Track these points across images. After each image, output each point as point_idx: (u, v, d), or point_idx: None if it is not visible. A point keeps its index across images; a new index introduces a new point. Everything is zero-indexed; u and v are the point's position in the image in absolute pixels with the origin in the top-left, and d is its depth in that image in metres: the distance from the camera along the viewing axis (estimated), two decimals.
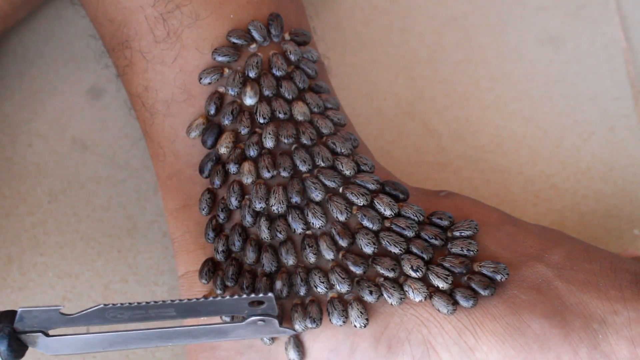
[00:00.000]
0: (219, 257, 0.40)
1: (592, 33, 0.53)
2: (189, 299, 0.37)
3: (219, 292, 0.40)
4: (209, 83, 0.41)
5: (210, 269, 0.40)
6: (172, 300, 0.37)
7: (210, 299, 0.37)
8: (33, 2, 0.52)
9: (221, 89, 0.41)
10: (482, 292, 0.38)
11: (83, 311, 0.36)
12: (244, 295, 0.37)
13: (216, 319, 0.39)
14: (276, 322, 0.38)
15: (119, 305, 0.36)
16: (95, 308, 0.36)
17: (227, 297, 0.37)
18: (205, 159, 0.41)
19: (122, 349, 0.38)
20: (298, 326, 0.39)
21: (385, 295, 0.38)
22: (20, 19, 0.53)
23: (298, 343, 0.39)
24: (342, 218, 0.39)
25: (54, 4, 0.54)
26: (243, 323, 0.38)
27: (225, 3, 0.41)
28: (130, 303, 0.36)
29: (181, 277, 0.42)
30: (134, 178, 0.50)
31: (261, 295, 0.37)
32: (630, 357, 0.37)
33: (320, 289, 0.38)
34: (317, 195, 0.39)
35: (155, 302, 0.36)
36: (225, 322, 0.38)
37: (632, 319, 0.37)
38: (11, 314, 0.36)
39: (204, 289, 0.41)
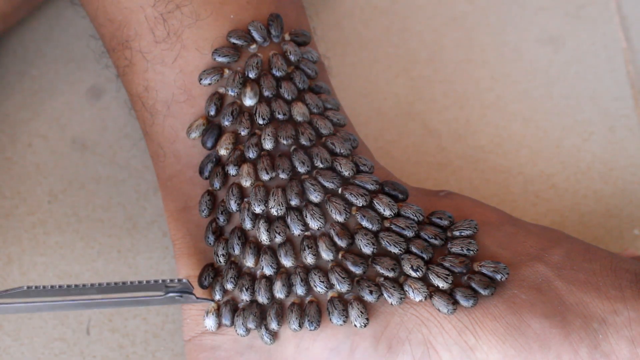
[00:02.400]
0: (219, 261, 0.40)
1: (592, 33, 0.53)
2: (108, 282, 0.38)
3: (217, 297, 0.40)
4: (209, 84, 0.41)
5: (210, 274, 0.40)
6: (92, 284, 0.38)
7: (128, 282, 0.38)
8: (33, 2, 0.52)
9: (221, 90, 0.41)
10: (482, 291, 0.38)
11: (6, 290, 0.37)
12: (161, 280, 0.38)
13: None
14: (192, 296, 0.39)
15: (41, 287, 0.37)
16: (19, 289, 0.37)
17: (144, 281, 0.38)
18: (205, 160, 0.41)
19: (47, 312, 0.40)
20: (293, 325, 0.39)
21: (385, 294, 0.38)
22: (20, 19, 0.53)
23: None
24: (341, 219, 0.39)
25: (54, 4, 0.54)
26: (162, 297, 0.39)
27: (225, 3, 0.41)
28: (52, 285, 0.38)
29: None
30: (134, 178, 0.50)
31: (176, 279, 0.38)
32: (631, 357, 0.37)
33: (320, 288, 0.38)
34: (315, 197, 0.39)
35: (76, 285, 0.38)
36: (146, 295, 0.39)
37: (632, 319, 0.37)
38: None
39: (204, 293, 0.41)
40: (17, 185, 0.50)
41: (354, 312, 0.38)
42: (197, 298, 0.39)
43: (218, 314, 0.40)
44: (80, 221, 0.49)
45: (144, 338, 0.47)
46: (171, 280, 0.38)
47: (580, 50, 0.53)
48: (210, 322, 0.40)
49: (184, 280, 0.38)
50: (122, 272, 0.48)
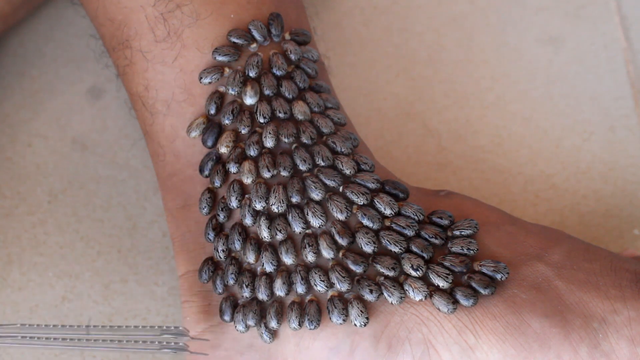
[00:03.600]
0: (219, 256, 0.40)
1: (592, 33, 0.54)
2: (103, 326, 0.39)
3: (219, 291, 0.40)
4: (210, 82, 0.41)
5: (210, 268, 0.40)
6: (87, 326, 0.39)
7: (124, 327, 0.39)
8: (33, 2, 0.52)
9: (221, 89, 0.41)
10: (482, 291, 0.38)
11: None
12: (156, 327, 0.39)
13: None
14: (187, 353, 0.40)
15: (35, 328, 0.38)
16: (12, 325, 0.38)
17: (140, 326, 0.39)
18: (206, 158, 0.41)
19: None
20: (293, 324, 0.39)
21: (385, 294, 0.38)
22: (20, 19, 0.53)
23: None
24: (342, 217, 0.39)
25: (54, 4, 0.54)
26: (155, 348, 0.39)
27: (225, 3, 0.41)
28: (46, 325, 0.39)
29: (181, 276, 0.42)
30: (134, 178, 0.50)
31: (172, 327, 0.39)
32: (631, 357, 0.37)
33: (320, 287, 0.38)
34: (317, 195, 0.39)
35: (70, 325, 0.39)
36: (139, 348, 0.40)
37: (632, 318, 0.37)
38: None
39: (203, 288, 0.41)
40: (17, 185, 0.50)
41: (354, 311, 0.38)
42: (191, 353, 0.40)
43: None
44: (80, 221, 0.49)
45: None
46: (167, 329, 0.39)
47: (580, 50, 0.53)
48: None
49: (180, 329, 0.39)
50: (122, 272, 0.48)
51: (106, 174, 0.50)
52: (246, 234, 0.40)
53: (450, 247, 0.39)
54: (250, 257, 0.39)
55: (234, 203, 0.40)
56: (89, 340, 0.39)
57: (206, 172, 0.41)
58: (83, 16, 0.53)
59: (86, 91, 0.52)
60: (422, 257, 0.39)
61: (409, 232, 0.39)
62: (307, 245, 0.39)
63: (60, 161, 0.51)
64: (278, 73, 0.41)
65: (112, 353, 0.46)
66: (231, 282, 0.40)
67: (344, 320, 0.38)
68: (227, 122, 0.41)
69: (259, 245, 0.40)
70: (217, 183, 0.40)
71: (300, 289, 0.39)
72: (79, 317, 0.47)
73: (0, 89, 0.52)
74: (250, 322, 0.39)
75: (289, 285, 0.39)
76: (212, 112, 0.41)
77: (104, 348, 0.39)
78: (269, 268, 0.39)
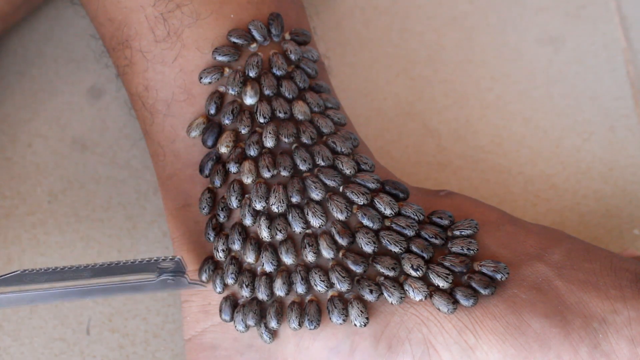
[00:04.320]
0: (219, 256, 0.40)
1: (592, 33, 0.54)
2: (102, 263, 0.38)
3: (218, 290, 0.40)
4: (209, 82, 0.41)
5: (210, 267, 0.40)
6: (86, 265, 0.38)
7: (122, 262, 0.38)
8: (33, 2, 0.52)
9: (221, 89, 0.41)
10: (482, 291, 0.38)
11: (1, 276, 0.38)
12: (154, 258, 0.39)
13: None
14: (185, 280, 0.39)
15: (35, 270, 0.38)
16: (13, 274, 0.38)
17: (138, 260, 0.39)
18: (206, 158, 0.41)
19: (42, 304, 0.40)
20: (293, 324, 0.39)
21: (385, 294, 0.38)
22: (20, 19, 0.53)
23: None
24: (342, 217, 0.39)
25: (54, 4, 0.54)
26: (155, 281, 0.39)
27: (225, 3, 0.41)
28: (46, 268, 0.38)
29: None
30: (134, 178, 0.50)
31: (169, 257, 0.39)
32: (631, 357, 0.37)
33: (320, 287, 0.38)
34: (317, 195, 0.39)
35: (70, 266, 0.38)
36: (138, 280, 0.40)
37: (632, 318, 0.37)
38: None
39: (203, 288, 0.41)
40: (17, 185, 0.50)
41: (354, 312, 0.38)
42: (189, 282, 0.40)
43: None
44: (80, 221, 0.49)
45: (144, 338, 0.47)
46: (164, 259, 0.39)
47: (580, 50, 0.53)
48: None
49: (177, 258, 0.39)
50: None
51: (106, 174, 0.50)
52: (246, 234, 0.40)
53: (450, 247, 0.39)
54: (250, 257, 0.39)
55: (234, 203, 0.40)
56: (88, 286, 0.39)
57: (206, 172, 0.41)
58: (83, 16, 0.53)
59: (86, 91, 0.52)
60: (422, 257, 0.39)
61: (409, 232, 0.39)
62: (307, 245, 0.39)
63: (60, 161, 0.51)
64: (278, 73, 0.41)
65: (113, 342, 0.46)
66: (231, 281, 0.40)
67: (344, 320, 0.38)
68: (227, 122, 0.41)
69: (259, 245, 0.40)
70: (217, 183, 0.40)
71: (300, 289, 0.39)
72: (79, 317, 0.47)
73: (0, 89, 0.52)
74: (250, 322, 0.39)
75: (289, 285, 0.39)
76: (212, 112, 0.41)
77: (102, 291, 0.39)
78: (269, 268, 0.39)
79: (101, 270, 0.38)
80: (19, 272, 0.38)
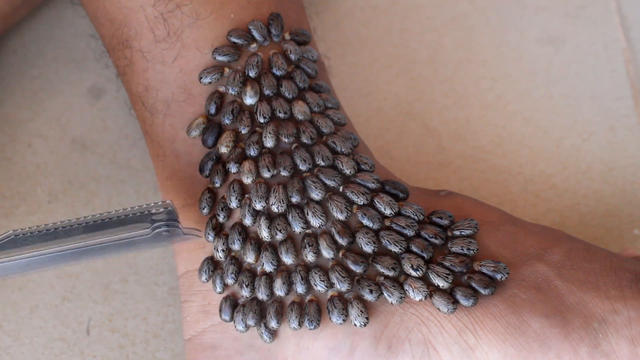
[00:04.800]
0: (219, 256, 0.40)
1: (592, 33, 0.54)
2: (93, 216, 0.38)
3: (218, 290, 0.40)
4: (209, 82, 0.41)
5: (210, 267, 0.40)
6: (77, 219, 0.38)
7: (113, 211, 0.38)
8: (33, 2, 0.52)
9: (221, 89, 0.41)
10: (482, 291, 0.38)
11: None
12: (144, 205, 0.39)
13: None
14: (179, 229, 0.39)
15: (27, 230, 0.37)
16: (6, 236, 0.37)
17: (129, 208, 0.38)
18: (206, 158, 0.41)
19: (39, 270, 0.39)
20: (293, 324, 0.39)
21: (385, 294, 0.38)
22: (20, 19, 0.53)
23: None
24: (342, 217, 0.39)
25: (54, 4, 0.54)
26: (149, 235, 0.39)
27: (225, 3, 0.41)
28: (38, 226, 0.38)
29: (181, 276, 0.42)
30: (134, 178, 0.50)
31: (160, 202, 0.39)
32: (631, 357, 0.37)
33: (320, 287, 0.38)
34: (317, 195, 0.39)
35: (61, 221, 0.38)
36: (132, 236, 0.39)
37: (632, 318, 0.37)
38: None
39: (203, 287, 0.41)
40: (17, 185, 0.50)
41: (353, 311, 0.38)
42: (184, 233, 0.39)
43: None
44: None
45: (144, 338, 0.47)
46: (156, 206, 0.38)
47: (580, 50, 0.53)
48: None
49: (168, 202, 0.39)
50: (122, 272, 0.48)
51: (106, 174, 0.50)
52: (246, 234, 0.40)
53: (450, 247, 0.39)
54: (250, 257, 0.39)
55: (233, 203, 0.40)
56: (80, 247, 0.38)
57: (206, 172, 0.41)
58: (83, 16, 0.53)
59: (86, 91, 0.52)
60: (422, 257, 0.39)
61: (409, 232, 0.39)
62: (307, 245, 0.39)
63: (60, 161, 0.51)
64: (278, 73, 0.41)
65: (113, 342, 0.46)
66: (231, 281, 0.40)
67: (343, 320, 0.38)
68: (227, 122, 0.41)
69: (259, 245, 0.40)
70: (217, 183, 0.40)
71: (300, 288, 0.39)
72: (79, 317, 0.47)
73: (0, 89, 0.52)
74: (250, 322, 0.39)
75: (289, 285, 0.39)
76: (212, 112, 0.41)
77: (96, 251, 0.39)
78: (268, 268, 0.39)
79: (94, 225, 0.38)
80: (10, 232, 0.37)
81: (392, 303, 0.38)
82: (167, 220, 0.39)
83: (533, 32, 0.54)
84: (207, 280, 0.40)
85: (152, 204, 0.39)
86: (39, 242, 0.38)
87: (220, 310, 0.40)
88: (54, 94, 0.52)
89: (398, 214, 0.40)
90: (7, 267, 0.38)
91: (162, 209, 0.38)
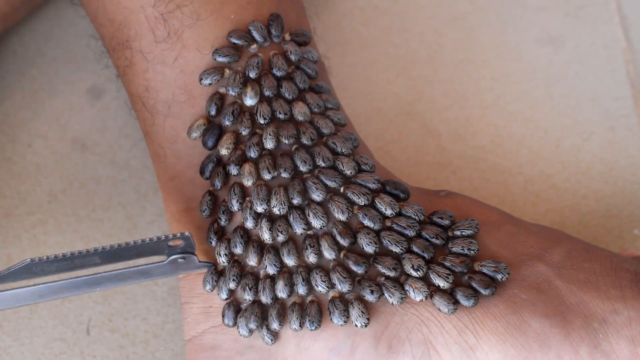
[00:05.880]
0: (221, 260, 0.40)
1: (592, 33, 0.54)
2: (110, 246, 0.38)
3: (224, 297, 0.40)
4: (210, 84, 0.41)
5: (214, 277, 0.40)
6: (95, 248, 0.38)
7: (132, 242, 0.38)
8: (33, 2, 0.52)
9: (222, 90, 0.41)
10: (482, 291, 0.38)
11: (10, 268, 0.37)
12: (163, 236, 0.39)
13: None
14: (195, 258, 0.39)
15: (45, 258, 0.37)
16: (23, 264, 0.37)
17: (147, 239, 0.39)
18: (206, 160, 0.41)
19: (52, 299, 0.40)
20: (294, 325, 0.39)
21: (386, 294, 0.38)
22: (20, 19, 0.53)
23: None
24: (343, 218, 0.39)
25: (54, 4, 0.54)
26: (164, 262, 0.39)
27: (225, 3, 0.41)
28: (55, 255, 0.38)
29: (182, 279, 0.42)
30: (134, 178, 0.50)
31: (178, 234, 0.39)
32: (631, 357, 0.37)
33: (322, 288, 0.38)
34: (318, 196, 0.39)
35: (79, 251, 0.38)
36: (148, 264, 0.40)
37: (632, 318, 0.37)
38: None
39: (204, 291, 0.41)
40: (17, 185, 0.50)
41: (354, 312, 0.38)
42: (200, 262, 0.40)
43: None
44: (80, 221, 0.49)
45: (144, 338, 0.47)
46: (173, 236, 0.39)
47: (580, 50, 0.53)
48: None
49: (187, 234, 0.39)
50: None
51: (106, 174, 0.50)
52: (248, 237, 0.40)
53: (450, 247, 0.39)
54: (253, 260, 0.39)
55: (235, 206, 0.40)
56: (97, 275, 0.39)
57: (207, 174, 0.41)
58: (83, 16, 0.53)
59: (86, 91, 0.52)
60: (423, 258, 0.39)
61: (410, 233, 0.39)
62: (308, 246, 0.39)
63: (60, 161, 0.51)
64: (278, 74, 0.41)
65: (113, 342, 0.46)
66: (233, 285, 0.40)
67: (345, 321, 0.38)
68: (227, 123, 0.41)
69: (261, 248, 0.40)
70: (218, 185, 0.40)
71: (301, 290, 0.39)
72: (79, 317, 0.47)
73: (0, 89, 0.52)
74: (252, 325, 0.39)
75: (291, 286, 0.39)
76: (213, 113, 0.41)
77: (111, 280, 0.39)
78: (271, 270, 0.39)
79: (110, 253, 0.38)
80: (27, 261, 0.37)
81: (392, 303, 0.38)
82: (184, 251, 0.39)
83: (533, 32, 0.54)
84: (212, 290, 0.40)
85: (171, 235, 0.39)
86: (54, 271, 0.38)
87: (223, 316, 0.40)
88: (54, 94, 0.52)
89: (399, 214, 0.40)
90: (20, 296, 0.38)
91: (179, 238, 0.39)
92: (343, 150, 0.40)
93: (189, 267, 0.40)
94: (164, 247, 0.39)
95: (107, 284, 0.39)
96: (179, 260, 0.39)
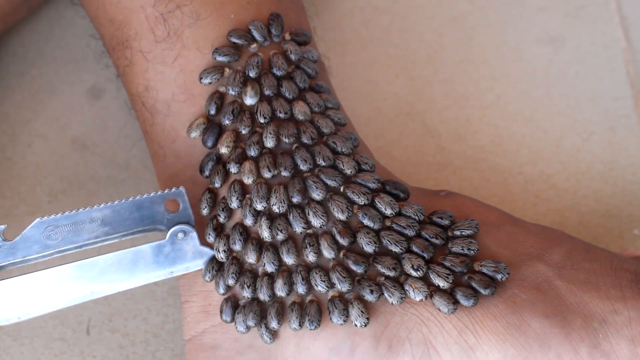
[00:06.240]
0: (220, 256, 0.40)
1: (592, 33, 0.54)
2: (112, 202, 0.40)
3: (221, 292, 0.40)
4: (210, 83, 0.41)
5: (215, 267, 0.40)
6: (97, 205, 0.39)
7: (131, 199, 0.40)
8: (33, 2, 0.52)
9: (222, 89, 0.41)
10: (482, 291, 0.38)
11: (22, 233, 0.39)
12: (159, 192, 0.40)
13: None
14: (195, 235, 0.40)
15: (53, 216, 0.39)
16: (33, 225, 0.39)
17: (144, 194, 0.40)
18: (206, 158, 0.41)
19: (59, 307, 0.40)
20: (294, 325, 0.39)
21: (386, 294, 0.38)
22: (20, 19, 0.53)
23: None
24: (343, 217, 0.39)
25: (54, 4, 0.54)
26: (165, 240, 0.40)
27: (226, 3, 0.41)
28: (62, 213, 0.39)
29: (181, 277, 0.42)
30: (134, 178, 0.50)
31: (173, 189, 0.40)
32: (631, 356, 0.37)
33: (321, 287, 0.38)
34: (318, 195, 0.39)
35: (83, 208, 0.39)
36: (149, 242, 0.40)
37: (632, 318, 0.37)
38: None
39: (203, 288, 0.41)
40: (17, 185, 0.50)
41: (354, 312, 0.38)
42: (201, 246, 0.40)
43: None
44: None
45: (144, 338, 0.47)
46: (168, 192, 0.40)
47: (580, 50, 0.53)
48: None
49: (180, 189, 0.40)
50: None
51: (106, 174, 0.50)
52: (247, 234, 0.40)
53: (450, 247, 0.39)
54: (252, 258, 0.39)
55: (234, 203, 0.40)
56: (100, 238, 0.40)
57: (206, 173, 0.41)
58: (83, 16, 0.53)
59: (86, 91, 0.52)
60: (423, 257, 0.39)
61: (410, 232, 0.39)
62: (308, 245, 0.39)
63: (60, 161, 0.51)
64: (278, 73, 0.41)
65: (113, 342, 0.46)
66: (232, 282, 0.40)
67: (344, 320, 0.38)
68: (227, 122, 0.41)
69: (260, 246, 0.40)
70: (218, 183, 0.40)
71: (301, 289, 0.39)
72: (79, 317, 0.47)
73: (0, 89, 0.52)
74: (251, 323, 0.39)
75: (290, 285, 0.39)
76: (213, 112, 0.41)
77: (113, 267, 0.40)
78: (270, 268, 0.39)
79: (110, 213, 0.40)
80: (38, 220, 0.39)
81: (392, 303, 0.38)
82: (181, 221, 0.40)
83: (533, 32, 0.54)
84: (211, 280, 0.40)
85: (167, 190, 0.40)
86: (61, 241, 0.39)
87: (221, 312, 0.40)
88: (54, 94, 0.52)
89: (399, 214, 0.40)
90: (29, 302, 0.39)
91: (174, 193, 0.40)
92: (343, 150, 0.40)
93: (189, 251, 0.40)
94: (162, 212, 0.40)
95: (110, 273, 0.40)
96: (178, 235, 0.40)
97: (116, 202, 0.40)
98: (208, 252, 0.40)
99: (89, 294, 0.39)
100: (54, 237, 0.39)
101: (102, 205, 0.39)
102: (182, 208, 0.40)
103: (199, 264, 0.40)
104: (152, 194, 0.40)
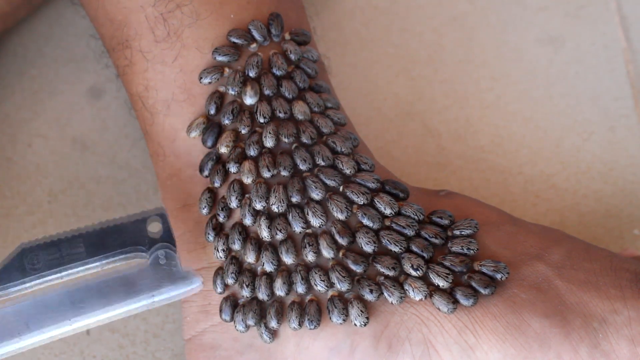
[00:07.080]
0: (219, 256, 0.40)
1: (592, 33, 0.54)
2: (93, 225, 0.39)
3: (219, 291, 0.40)
4: (209, 82, 0.41)
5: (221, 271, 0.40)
6: (79, 229, 0.39)
7: (112, 220, 0.39)
8: (33, 2, 0.52)
9: (221, 89, 0.41)
10: (482, 291, 0.38)
11: (4, 260, 0.38)
12: (139, 212, 0.40)
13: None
14: (176, 257, 0.39)
15: (35, 241, 0.38)
16: (16, 251, 0.38)
17: (125, 216, 0.40)
18: (206, 158, 0.41)
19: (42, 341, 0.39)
20: (293, 324, 0.39)
21: (385, 294, 0.38)
22: (20, 19, 0.53)
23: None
24: (342, 217, 0.39)
25: (54, 4, 0.54)
26: (147, 267, 0.39)
27: (225, 3, 0.41)
28: (44, 237, 0.39)
29: None
30: (134, 178, 0.50)
31: (154, 208, 0.40)
32: (631, 356, 0.37)
33: (321, 287, 0.39)
34: (317, 194, 0.39)
35: (65, 232, 0.39)
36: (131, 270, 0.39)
37: (632, 318, 0.37)
38: None
39: (203, 288, 0.41)
40: (17, 185, 0.50)
41: (354, 311, 0.38)
42: (183, 268, 0.39)
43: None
44: (80, 221, 0.49)
45: (144, 338, 0.47)
46: (149, 211, 0.39)
47: (580, 50, 0.53)
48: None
49: (160, 207, 0.40)
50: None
51: (106, 174, 0.50)
52: (246, 234, 0.40)
53: (450, 247, 0.39)
54: (251, 257, 0.39)
55: (234, 203, 0.40)
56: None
57: (206, 172, 0.41)
58: (83, 16, 0.53)
59: (86, 91, 0.52)
60: (422, 257, 0.39)
61: (409, 232, 0.39)
62: (307, 245, 0.39)
63: (60, 161, 0.51)
64: (278, 73, 0.41)
65: (113, 342, 0.46)
66: (231, 281, 0.40)
67: (344, 320, 0.38)
68: (227, 122, 0.41)
69: (259, 245, 0.40)
70: (217, 183, 0.40)
71: (300, 288, 0.39)
72: None
73: (0, 89, 0.52)
74: (250, 322, 0.39)
75: (289, 285, 0.39)
76: (212, 112, 0.41)
77: (93, 293, 0.39)
78: (269, 268, 0.39)
79: (93, 236, 0.39)
80: (20, 247, 0.38)
81: (392, 303, 0.38)
82: (164, 240, 0.39)
83: (533, 32, 0.54)
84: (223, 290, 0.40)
85: (147, 209, 0.39)
86: (43, 268, 0.38)
87: (220, 311, 0.40)
88: (54, 94, 0.52)
89: (398, 213, 0.40)
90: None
91: (155, 212, 0.39)
92: (343, 150, 0.40)
93: (171, 273, 0.39)
94: (144, 234, 0.39)
95: (91, 300, 0.38)
96: (160, 259, 0.39)
97: (98, 227, 0.39)
98: (191, 276, 0.40)
99: (68, 325, 0.38)
100: (35, 269, 0.38)
101: (84, 229, 0.39)
102: (163, 229, 0.39)
103: (181, 292, 0.40)
104: (132, 215, 0.39)
